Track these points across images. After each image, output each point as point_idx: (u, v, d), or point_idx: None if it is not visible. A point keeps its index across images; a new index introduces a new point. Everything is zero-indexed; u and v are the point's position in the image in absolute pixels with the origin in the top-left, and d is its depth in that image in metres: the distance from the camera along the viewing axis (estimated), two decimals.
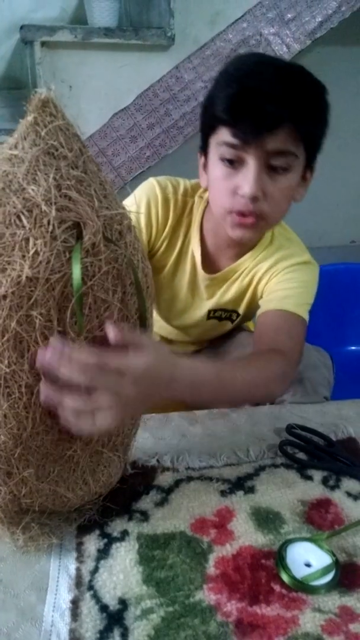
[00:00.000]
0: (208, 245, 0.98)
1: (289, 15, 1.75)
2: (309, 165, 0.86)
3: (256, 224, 0.85)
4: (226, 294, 0.99)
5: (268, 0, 1.73)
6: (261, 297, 0.96)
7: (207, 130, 0.85)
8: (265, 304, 0.92)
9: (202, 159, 0.90)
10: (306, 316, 0.90)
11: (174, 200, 0.96)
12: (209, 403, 0.83)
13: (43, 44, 1.64)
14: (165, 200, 0.95)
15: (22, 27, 1.69)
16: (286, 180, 0.82)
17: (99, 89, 1.73)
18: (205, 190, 0.97)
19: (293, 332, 0.87)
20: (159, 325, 1.09)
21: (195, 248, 0.98)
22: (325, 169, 2.93)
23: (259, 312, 0.93)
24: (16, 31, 1.79)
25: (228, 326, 1.06)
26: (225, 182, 0.83)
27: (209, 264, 0.99)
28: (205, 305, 1.01)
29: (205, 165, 0.90)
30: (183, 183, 0.99)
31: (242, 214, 0.83)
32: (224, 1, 1.72)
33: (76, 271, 0.46)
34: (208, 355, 1.08)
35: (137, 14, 1.90)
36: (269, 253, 0.96)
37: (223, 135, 0.80)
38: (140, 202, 0.95)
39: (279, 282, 0.93)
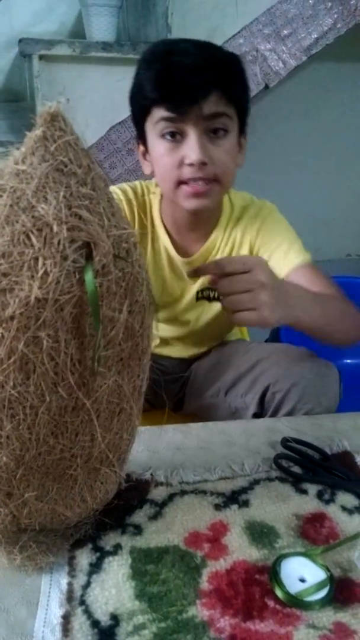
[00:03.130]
0: (174, 234, 1.01)
1: (285, 32, 1.77)
2: (242, 131, 0.92)
3: (209, 190, 0.88)
4: None
5: (264, 16, 1.75)
6: None
7: (140, 116, 0.90)
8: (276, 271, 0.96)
9: (141, 148, 0.95)
10: (309, 256, 0.96)
11: (136, 201, 1.01)
12: (315, 324, 0.82)
13: (41, 57, 1.65)
14: (128, 203, 1.00)
15: (20, 41, 1.71)
16: (227, 142, 0.87)
17: (96, 102, 1.74)
18: (156, 185, 1.01)
19: (321, 279, 0.93)
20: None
21: (164, 240, 1.01)
22: (321, 183, 2.95)
23: None
24: (15, 44, 1.81)
25: (218, 307, 1.06)
26: (170, 156, 0.86)
27: (183, 251, 1.02)
28: (193, 288, 1.03)
29: (145, 154, 0.94)
30: (139, 184, 1.03)
31: (192, 184, 0.87)
32: (221, 17, 1.74)
33: (91, 287, 0.45)
34: (212, 365, 1.08)
35: (135, 28, 1.92)
36: (236, 219, 1.00)
37: (158, 113, 0.85)
38: None
39: (264, 243, 0.98)
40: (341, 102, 2.52)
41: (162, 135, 0.86)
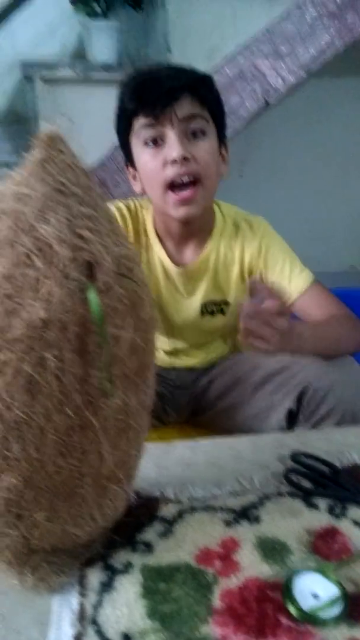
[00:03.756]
0: (168, 245, 1.05)
1: (284, 49, 1.79)
2: (222, 142, 0.98)
3: (194, 195, 0.92)
4: (210, 285, 1.05)
5: (263, 35, 1.77)
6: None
7: (125, 134, 0.97)
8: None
9: (131, 171, 1.01)
10: (309, 273, 1.03)
11: (129, 217, 1.05)
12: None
13: (44, 79, 1.69)
14: (122, 219, 1.04)
15: (23, 64, 1.74)
16: (206, 144, 0.93)
17: (99, 123, 1.75)
18: (149, 201, 1.05)
19: (327, 301, 1.00)
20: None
21: (158, 251, 1.04)
22: (323, 195, 2.96)
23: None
24: (18, 67, 1.84)
25: (220, 322, 1.07)
26: (154, 160, 0.92)
27: (177, 262, 1.06)
28: (194, 302, 1.04)
29: (135, 176, 1.00)
30: (132, 201, 1.08)
31: (179, 187, 0.92)
32: (220, 36, 1.76)
33: (95, 306, 0.45)
34: (224, 380, 1.08)
35: (135, 49, 1.95)
36: (231, 232, 1.05)
37: (138, 122, 0.92)
38: None
39: (268, 267, 1.04)
40: (340, 117, 2.54)
41: (145, 144, 0.92)
